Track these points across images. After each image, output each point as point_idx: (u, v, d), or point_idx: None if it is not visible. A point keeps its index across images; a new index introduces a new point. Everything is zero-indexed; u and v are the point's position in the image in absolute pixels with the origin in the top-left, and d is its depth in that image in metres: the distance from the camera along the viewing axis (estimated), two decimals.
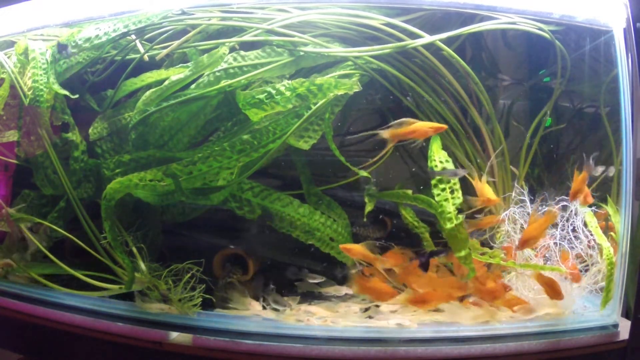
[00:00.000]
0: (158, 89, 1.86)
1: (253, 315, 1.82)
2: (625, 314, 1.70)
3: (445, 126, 1.76)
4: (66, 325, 1.80)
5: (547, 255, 1.76)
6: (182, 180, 1.74)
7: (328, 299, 1.90)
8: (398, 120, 1.72)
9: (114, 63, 2.01)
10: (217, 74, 1.83)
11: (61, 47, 1.81)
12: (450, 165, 1.76)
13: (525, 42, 2.26)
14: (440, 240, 1.86)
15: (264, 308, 1.86)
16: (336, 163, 1.91)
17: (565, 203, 1.75)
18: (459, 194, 1.71)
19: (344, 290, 1.91)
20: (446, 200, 1.71)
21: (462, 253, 1.66)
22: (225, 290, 1.98)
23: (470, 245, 1.70)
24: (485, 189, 1.80)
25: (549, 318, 1.71)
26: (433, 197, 1.75)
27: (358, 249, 1.71)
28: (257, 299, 1.90)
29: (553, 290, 1.67)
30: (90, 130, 2.02)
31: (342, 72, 1.88)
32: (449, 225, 1.67)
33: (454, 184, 1.73)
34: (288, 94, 1.74)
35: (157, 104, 1.86)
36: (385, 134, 1.73)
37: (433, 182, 1.75)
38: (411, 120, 1.73)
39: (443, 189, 1.73)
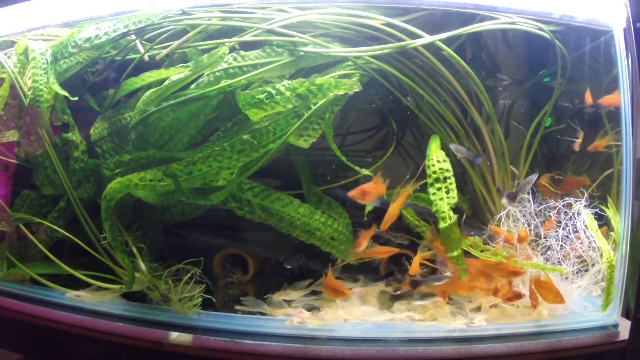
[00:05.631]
0: (158, 89, 1.86)
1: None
2: (625, 314, 1.70)
3: None
4: (66, 325, 1.80)
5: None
6: (182, 180, 1.74)
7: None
8: None
9: (114, 63, 2.01)
10: (217, 74, 1.83)
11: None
12: (447, 165, 1.76)
13: (525, 42, 2.26)
14: None
15: None
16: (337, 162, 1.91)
17: (568, 201, 1.75)
18: (454, 194, 1.71)
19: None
20: (441, 199, 1.71)
21: (455, 253, 1.65)
22: (226, 290, 1.98)
23: (473, 242, 1.70)
24: None
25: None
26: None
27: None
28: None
29: None
30: (91, 130, 2.02)
31: (342, 72, 1.88)
32: (442, 225, 1.67)
33: (450, 183, 1.73)
34: (288, 94, 1.74)
35: (157, 104, 1.86)
36: None
37: (429, 181, 1.75)
38: None
39: (439, 188, 1.73)
